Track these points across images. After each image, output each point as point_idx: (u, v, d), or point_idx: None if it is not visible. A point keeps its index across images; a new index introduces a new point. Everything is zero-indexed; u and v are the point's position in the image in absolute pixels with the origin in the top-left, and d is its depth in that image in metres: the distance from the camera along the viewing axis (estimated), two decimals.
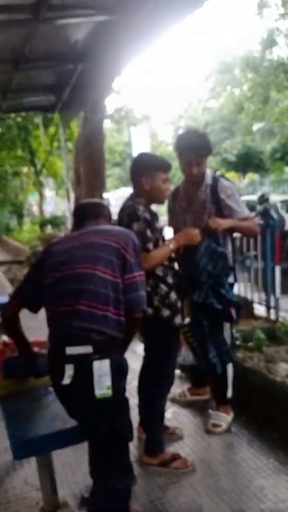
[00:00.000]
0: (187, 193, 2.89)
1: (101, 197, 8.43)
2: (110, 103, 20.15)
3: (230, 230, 2.75)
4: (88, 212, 2.07)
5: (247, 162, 28.56)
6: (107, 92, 7.18)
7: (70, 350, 1.67)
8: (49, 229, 12.09)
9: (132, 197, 2.45)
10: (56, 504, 2.22)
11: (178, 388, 3.43)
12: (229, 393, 2.93)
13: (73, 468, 2.54)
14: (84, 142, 8.08)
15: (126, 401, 1.80)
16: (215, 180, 2.78)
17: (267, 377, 3.00)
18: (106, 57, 5.51)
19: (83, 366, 1.65)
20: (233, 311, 2.62)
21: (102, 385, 1.63)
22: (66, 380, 1.65)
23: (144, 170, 2.41)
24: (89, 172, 8.11)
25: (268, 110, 20.12)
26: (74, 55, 5.59)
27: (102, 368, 1.64)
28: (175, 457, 2.49)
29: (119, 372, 1.74)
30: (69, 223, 8.99)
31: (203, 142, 2.68)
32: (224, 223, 2.60)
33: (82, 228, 1.97)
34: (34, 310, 2.01)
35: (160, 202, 2.54)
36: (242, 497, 2.23)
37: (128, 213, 2.33)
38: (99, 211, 2.08)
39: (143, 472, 2.46)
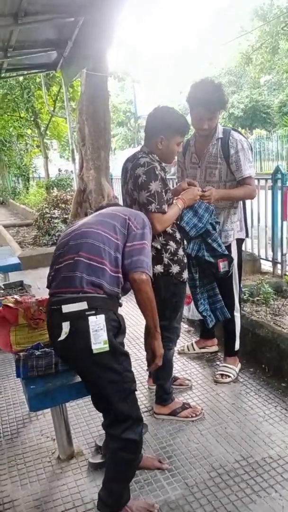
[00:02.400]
0: (197, 147, 2.83)
1: (108, 158, 8.31)
2: (113, 61, 19.51)
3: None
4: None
5: (254, 117, 27.84)
6: (110, 45, 6.93)
7: (66, 309, 1.73)
8: (55, 191, 11.99)
9: (147, 153, 2.36)
10: (71, 453, 2.33)
11: (187, 341, 3.51)
12: (237, 345, 3.00)
13: (87, 419, 2.65)
14: (88, 100, 7.87)
15: (125, 354, 1.83)
16: (226, 133, 2.71)
17: (274, 329, 3.04)
18: (106, 8, 5.30)
19: (78, 322, 1.71)
20: (222, 264, 2.65)
21: (99, 340, 1.69)
22: (62, 336, 1.71)
23: (164, 130, 2.31)
24: (94, 131, 7.94)
25: (276, 61, 19.32)
26: (75, 7, 5.39)
27: (97, 323, 1.70)
28: (185, 406, 2.58)
29: (115, 327, 1.81)
30: (75, 185, 8.91)
31: (217, 96, 2.57)
32: (214, 195, 2.56)
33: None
34: None
35: (169, 162, 2.49)
36: (250, 443, 2.31)
37: (147, 171, 2.24)
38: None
39: (154, 421, 2.55)
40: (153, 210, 2.23)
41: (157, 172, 2.26)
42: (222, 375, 2.95)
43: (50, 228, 7.97)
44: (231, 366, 2.99)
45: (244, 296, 3.68)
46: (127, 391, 1.80)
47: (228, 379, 2.92)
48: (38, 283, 5.50)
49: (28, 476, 2.21)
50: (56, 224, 7.96)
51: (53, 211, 8.42)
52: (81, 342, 1.70)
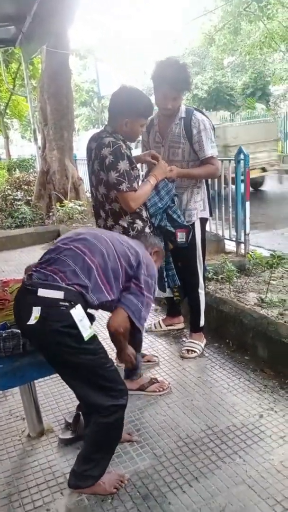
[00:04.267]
0: (161, 126, 2.84)
1: (71, 138, 8.18)
2: (76, 39, 18.99)
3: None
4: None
5: (218, 99, 27.91)
6: (71, 22, 6.75)
7: (42, 293, 1.72)
8: (17, 172, 11.71)
9: (110, 132, 2.34)
10: (41, 430, 2.36)
11: (154, 319, 3.58)
12: (202, 322, 3.08)
13: (56, 397, 2.67)
14: (49, 78, 7.68)
15: (95, 336, 1.83)
16: (189, 113, 2.73)
17: (237, 305, 3.15)
18: None
19: (51, 309, 1.71)
20: (180, 234, 2.73)
21: (86, 327, 1.72)
22: (32, 321, 1.70)
23: (128, 112, 2.29)
24: (56, 111, 7.78)
25: (239, 42, 19.36)
26: None
27: (79, 313, 1.72)
28: (153, 381, 2.65)
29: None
30: (38, 166, 8.74)
31: (183, 76, 2.58)
32: (174, 173, 2.61)
33: None
34: None
35: (133, 141, 2.50)
36: (215, 414, 2.41)
37: (113, 151, 2.23)
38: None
39: None
40: (124, 190, 2.25)
41: (123, 151, 2.26)
42: (188, 350, 3.03)
43: (13, 210, 7.82)
44: (196, 341, 3.08)
45: (209, 275, 3.77)
46: (104, 366, 1.83)
47: (194, 354, 3.01)
48: (2, 266, 5.42)
49: None
50: (19, 207, 7.81)
51: (16, 193, 8.25)
52: (50, 329, 1.70)
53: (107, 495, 1.89)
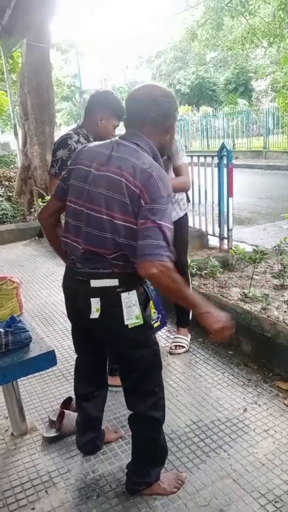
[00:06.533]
0: None
1: (53, 133, 8.09)
2: (56, 33, 18.68)
3: None
4: (131, 115, 1.69)
5: (200, 94, 27.99)
6: (52, 15, 6.66)
7: (96, 283, 1.61)
8: None
9: (75, 128, 2.46)
10: (24, 429, 2.34)
11: None
12: (190, 317, 3.10)
13: (39, 395, 2.65)
14: (30, 72, 7.57)
15: (151, 327, 1.77)
16: None
17: (221, 300, 3.16)
18: None
19: (110, 298, 1.61)
20: None
21: (132, 316, 1.62)
22: (94, 315, 1.61)
23: (106, 111, 2.36)
24: (37, 105, 7.68)
25: (221, 37, 19.39)
26: None
27: (130, 299, 1.61)
28: None
29: (144, 300, 1.70)
30: (18, 161, 8.63)
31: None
32: None
33: (119, 140, 1.68)
34: None
35: (103, 139, 2.51)
36: (200, 409, 2.42)
37: (60, 140, 2.40)
38: (144, 116, 1.64)
39: (109, 393, 2.58)
40: (52, 173, 2.39)
41: (69, 142, 2.36)
42: (176, 346, 3.04)
43: None
44: (184, 337, 3.09)
45: (193, 270, 3.78)
46: (156, 365, 1.78)
47: (182, 350, 3.02)
48: None
49: None
50: (0, 203, 7.70)
51: None
52: (112, 318, 1.63)
53: (168, 495, 1.86)
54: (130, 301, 1.61)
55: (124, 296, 1.60)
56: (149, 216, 1.48)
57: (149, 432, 1.81)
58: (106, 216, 1.56)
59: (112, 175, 1.55)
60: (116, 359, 2.57)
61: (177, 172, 2.77)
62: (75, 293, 1.70)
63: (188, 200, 3.09)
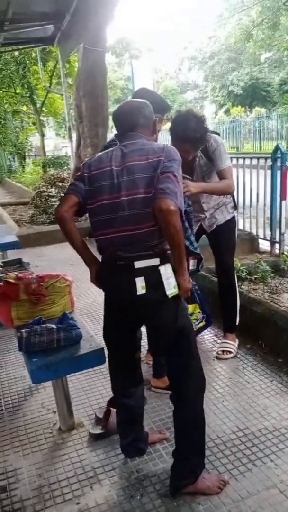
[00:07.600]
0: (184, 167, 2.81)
1: (106, 135, 8.23)
2: (111, 35, 19.06)
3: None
4: (125, 125, 1.90)
5: (254, 95, 27.47)
6: (108, 20, 6.77)
7: (139, 264, 1.77)
8: (51, 170, 11.90)
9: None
10: (72, 424, 2.39)
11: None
12: (237, 322, 3.05)
13: (87, 392, 2.70)
14: (85, 76, 7.75)
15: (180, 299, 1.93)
16: None
17: (271, 307, 3.09)
18: None
19: (152, 275, 1.76)
20: (192, 261, 2.67)
21: (170, 286, 1.78)
22: (141, 291, 1.76)
23: (161, 110, 2.34)
24: (91, 108, 7.85)
25: (277, 37, 18.96)
26: None
27: (167, 272, 1.78)
28: None
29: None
30: (71, 163, 8.85)
31: (199, 135, 2.55)
32: (193, 188, 2.53)
33: (123, 143, 1.86)
34: (82, 212, 1.96)
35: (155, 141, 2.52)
36: (246, 416, 2.37)
37: (106, 145, 2.34)
38: (134, 121, 1.87)
39: (153, 394, 2.61)
40: None
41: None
42: (223, 351, 3.01)
43: (47, 206, 7.95)
44: (231, 342, 3.05)
45: (242, 275, 3.72)
46: (190, 333, 1.95)
47: (229, 355, 2.98)
48: (36, 261, 5.52)
49: (30, 447, 2.27)
50: (53, 203, 7.93)
51: (50, 189, 8.38)
52: (156, 293, 1.77)
53: (212, 494, 1.87)
54: (167, 273, 1.78)
55: (162, 270, 1.78)
56: (168, 169, 1.73)
57: (198, 398, 1.95)
58: (144, 195, 1.73)
59: (136, 162, 1.76)
60: (159, 356, 2.58)
61: (221, 175, 2.72)
62: (118, 279, 1.82)
63: (235, 208, 3.05)
